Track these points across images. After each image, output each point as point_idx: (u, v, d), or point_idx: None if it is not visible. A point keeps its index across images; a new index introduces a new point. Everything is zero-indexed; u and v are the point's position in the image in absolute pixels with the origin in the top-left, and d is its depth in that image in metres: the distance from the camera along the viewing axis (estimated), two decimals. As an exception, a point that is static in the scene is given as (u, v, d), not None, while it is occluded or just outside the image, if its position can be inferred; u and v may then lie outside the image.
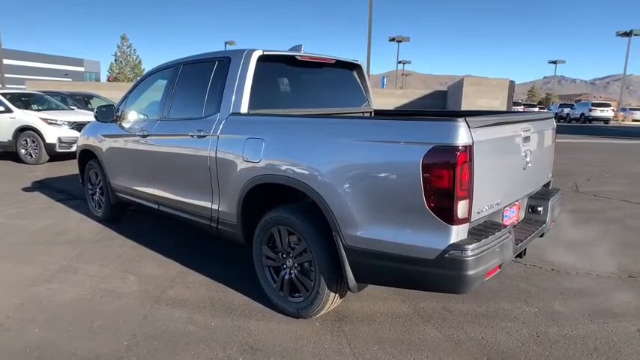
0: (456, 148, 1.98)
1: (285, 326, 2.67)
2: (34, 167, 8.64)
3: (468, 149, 2.00)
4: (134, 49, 47.33)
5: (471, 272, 2.04)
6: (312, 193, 2.44)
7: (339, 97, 3.95)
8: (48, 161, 9.06)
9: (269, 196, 2.89)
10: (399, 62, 59.76)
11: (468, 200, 2.05)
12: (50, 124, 8.94)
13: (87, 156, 4.89)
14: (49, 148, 8.87)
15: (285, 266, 2.77)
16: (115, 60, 47.59)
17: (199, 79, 3.46)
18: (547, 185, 3.27)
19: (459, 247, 2.03)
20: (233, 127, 3.01)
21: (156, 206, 3.85)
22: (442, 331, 2.62)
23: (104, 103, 13.21)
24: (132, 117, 4.05)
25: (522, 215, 2.95)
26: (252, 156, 2.79)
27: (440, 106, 21.26)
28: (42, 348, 2.44)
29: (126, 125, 4.11)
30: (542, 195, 3.04)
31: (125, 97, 4.29)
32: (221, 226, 3.18)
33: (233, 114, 3.05)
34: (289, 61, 3.41)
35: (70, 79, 44.22)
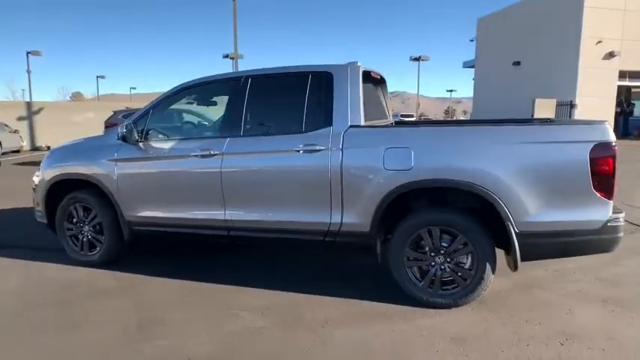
0: (611, 143, 2.70)
1: (455, 320, 2.84)
2: None
3: (616, 144, 2.73)
4: None
5: (621, 234, 2.77)
6: (482, 192, 2.79)
7: (377, 109, 4.27)
8: None
9: (407, 201, 3.08)
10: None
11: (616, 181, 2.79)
12: None
13: (64, 189, 3.90)
14: None
15: (433, 263, 3.01)
16: None
17: (287, 93, 3.40)
18: None
19: (616, 216, 2.74)
20: (360, 139, 3.09)
21: (225, 232, 3.45)
22: (557, 292, 3.25)
23: None
24: (173, 135, 3.53)
25: None
26: (399, 164, 2.94)
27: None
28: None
29: (164, 146, 3.54)
30: None
31: (145, 114, 3.65)
32: (341, 239, 3.17)
33: (352, 126, 3.12)
34: (366, 76, 3.61)
35: None
